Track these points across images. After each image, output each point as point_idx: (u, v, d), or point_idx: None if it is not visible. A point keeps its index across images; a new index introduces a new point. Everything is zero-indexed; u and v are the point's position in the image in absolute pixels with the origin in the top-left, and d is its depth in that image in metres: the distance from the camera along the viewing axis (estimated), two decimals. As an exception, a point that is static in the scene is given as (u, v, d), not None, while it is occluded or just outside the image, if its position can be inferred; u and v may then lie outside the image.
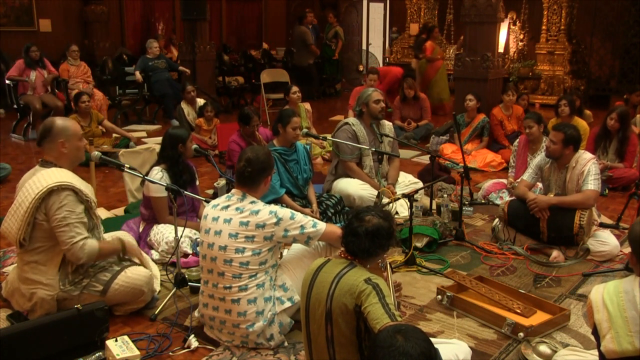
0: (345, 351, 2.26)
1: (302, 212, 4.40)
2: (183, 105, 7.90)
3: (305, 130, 6.57)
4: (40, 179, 3.02)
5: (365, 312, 2.14)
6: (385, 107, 8.33)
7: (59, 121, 3.19)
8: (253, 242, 2.85)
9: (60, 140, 3.11)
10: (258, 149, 3.11)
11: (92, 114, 7.03)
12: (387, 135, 5.06)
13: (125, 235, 3.73)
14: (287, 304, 2.99)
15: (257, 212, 2.88)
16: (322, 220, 4.49)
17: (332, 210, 4.64)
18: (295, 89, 7.17)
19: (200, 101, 7.99)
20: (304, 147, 4.83)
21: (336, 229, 3.03)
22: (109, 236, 3.57)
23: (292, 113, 4.63)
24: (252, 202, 2.94)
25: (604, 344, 2.05)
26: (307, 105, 7.39)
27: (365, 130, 4.95)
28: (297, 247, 3.19)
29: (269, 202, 4.23)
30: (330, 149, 6.10)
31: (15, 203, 3.08)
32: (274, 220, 2.87)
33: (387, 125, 5.15)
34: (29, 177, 3.13)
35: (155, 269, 3.69)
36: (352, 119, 5.02)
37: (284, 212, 2.93)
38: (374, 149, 4.82)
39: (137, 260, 3.41)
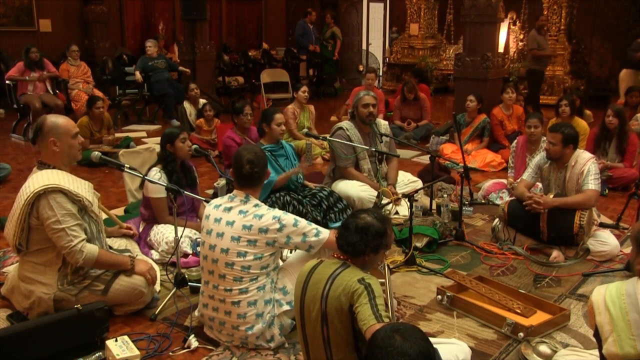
0: (342, 352, 2.25)
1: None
2: (186, 104, 7.89)
3: (305, 130, 6.59)
4: (30, 184, 2.96)
5: (356, 312, 2.14)
6: (385, 111, 8.41)
7: (51, 118, 3.07)
8: (255, 246, 2.83)
9: (51, 138, 3.01)
10: (252, 148, 3.05)
11: (105, 119, 7.04)
12: (386, 135, 5.05)
13: (142, 258, 3.61)
14: (286, 307, 2.96)
15: (260, 217, 2.84)
16: (324, 220, 4.50)
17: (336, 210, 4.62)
18: (304, 88, 7.14)
19: (202, 101, 7.99)
20: (289, 145, 4.85)
21: None
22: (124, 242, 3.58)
23: (273, 111, 4.64)
24: (255, 206, 2.89)
25: (606, 347, 2.03)
26: (311, 107, 7.41)
27: (359, 133, 4.94)
28: (300, 250, 3.17)
29: (270, 196, 4.27)
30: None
31: (12, 208, 3.05)
32: (277, 226, 2.83)
33: (383, 124, 5.14)
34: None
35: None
36: (345, 123, 5.00)
37: (287, 218, 2.87)
38: (373, 149, 4.82)
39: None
